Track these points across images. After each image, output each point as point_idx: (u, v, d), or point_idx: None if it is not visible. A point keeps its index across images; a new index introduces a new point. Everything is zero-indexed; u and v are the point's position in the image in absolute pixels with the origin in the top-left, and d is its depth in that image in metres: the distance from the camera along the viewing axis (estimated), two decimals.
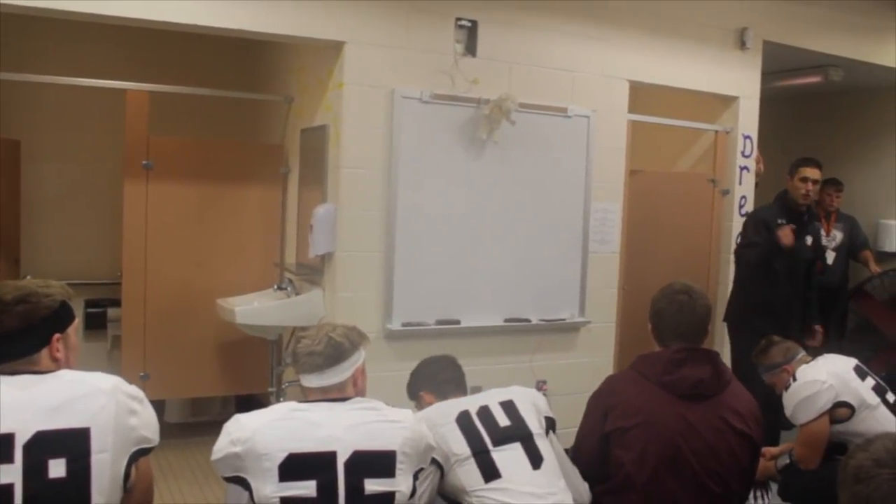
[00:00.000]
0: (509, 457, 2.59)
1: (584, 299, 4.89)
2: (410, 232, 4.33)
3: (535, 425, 2.70)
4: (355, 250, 4.26)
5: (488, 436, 2.62)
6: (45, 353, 2.09)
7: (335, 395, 2.30)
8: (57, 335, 2.12)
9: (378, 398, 2.34)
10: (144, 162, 4.69)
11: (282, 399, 4.48)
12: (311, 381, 2.31)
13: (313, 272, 4.50)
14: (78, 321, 2.21)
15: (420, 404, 2.99)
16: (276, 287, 4.76)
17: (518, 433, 2.66)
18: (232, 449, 2.15)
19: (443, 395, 2.90)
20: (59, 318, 2.13)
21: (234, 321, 4.42)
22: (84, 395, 2.01)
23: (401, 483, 2.20)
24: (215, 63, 5.74)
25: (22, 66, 4.89)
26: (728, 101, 5.52)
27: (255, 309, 4.51)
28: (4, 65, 4.90)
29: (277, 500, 2.10)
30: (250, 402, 5.34)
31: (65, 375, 2.07)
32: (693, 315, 2.71)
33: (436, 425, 2.59)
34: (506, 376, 4.27)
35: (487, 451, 2.58)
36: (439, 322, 4.43)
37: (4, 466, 1.89)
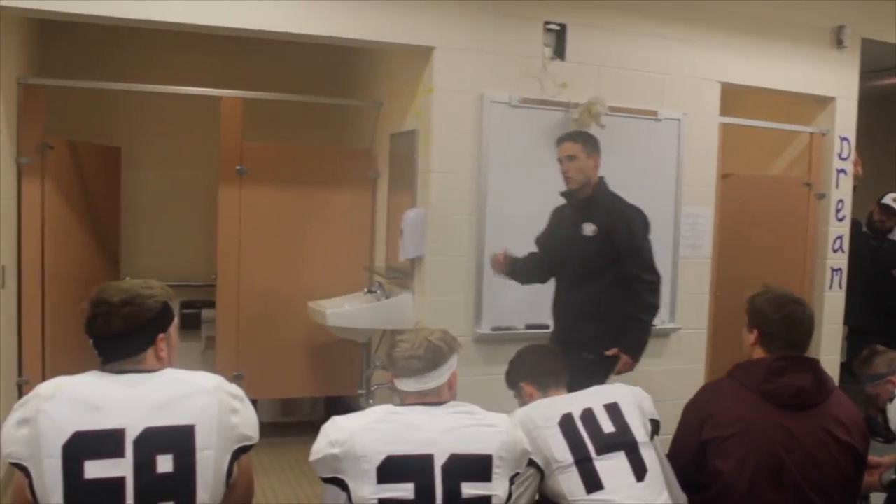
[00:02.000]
0: (613, 466, 2.55)
1: (675, 305, 4.83)
2: (499, 235, 4.33)
3: (641, 432, 2.65)
4: (445, 254, 4.29)
5: (592, 443, 2.57)
6: (150, 352, 2.16)
7: (432, 399, 2.32)
8: (161, 335, 2.19)
9: (468, 402, 2.34)
10: (238, 167, 4.80)
11: (371, 401, 4.53)
12: (410, 385, 2.33)
13: (403, 276, 4.54)
14: (177, 320, 2.27)
15: (520, 395, 2.93)
16: (366, 290, 4.82)
17: (622, 441, 2.61)
18: (330, 450, 2.18)
19: (543, 388, 2.84)
20: (163, 318, 2.19)
21: (325, 323, 4.48)
22: (188, 394, 2.07)
23: (497, 487, 2.20)
24: (306, 69, 5.85)
25: (122, 75, 5.08)
26: (824, 102, 5.36)
27: (346, 312, 4.56)
28: (106, 74, 5.10)
29: (375, 501, 2.12)
30: (339, 404, 5.42)
31: (169, 374, 2.14)
32: (802, 325, 2.66)
33: (538, 427, 2.57)
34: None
35: (590, 460, 2.54)
36: (529, 326, 4.42)
37: (116, 460, 1.96)
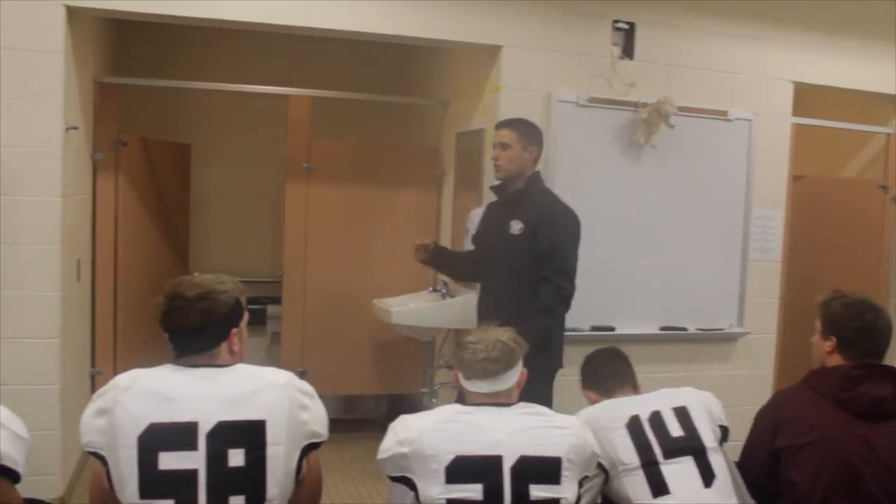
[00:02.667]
0: (680, 471, 2.51)
1: (743, 309, 4.74)
2: None
3: (710, 438, 2.61)
4: None
5: (659, 446, 2.54)
6: (223, 346, 2.19)
7: (503, 399, 2.32)
8: (234, 329, 2.22)
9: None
10: (305, 165, 4.85)
11: (434, 400, 4.54)
12: (482, 387, 2.31)
13: None
14: (247, 315, 2.29)
15: (589, 402, 2.91)
16: (430, 289, 4.83)
17: (691, 446, 2.57)
18: (399, 449, 2.19)
19: (607, 393, 2.82)
20: (236, 313, 2.22)
21: (390, 321, 4.50)
22: (260, 389, 2.10)
23: (566, 490, 2.19)
24: (373, 68, 5.89)
25: (193, 74, 5.18)
26: None
27: (411, 310, 4.57)
28: (178, 73, 5.20)
29: (444, 501, 2.12)
30: (402, 401, 5.44)
31: (241, 369, 2.17)
32: (881, 332, 2.59)
33: (604, 428, 2.55)
34: (661, 387, 4.15)
35: (657, 464, 2.51)
36: (594, 328, 4.39)
37: (189, 453, 1.99)
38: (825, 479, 2.44)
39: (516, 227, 3.65)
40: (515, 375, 2.34)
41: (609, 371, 2.90)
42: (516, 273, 3.64)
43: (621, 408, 2.66)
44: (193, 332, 2.14)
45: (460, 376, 2.36)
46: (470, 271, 4.06)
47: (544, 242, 3.58)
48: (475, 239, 4.02)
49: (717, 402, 2.77)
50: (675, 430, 2.59)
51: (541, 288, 3.58)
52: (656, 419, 2.60)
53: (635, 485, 2.49)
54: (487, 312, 3.67)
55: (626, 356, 3.01)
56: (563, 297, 3.60)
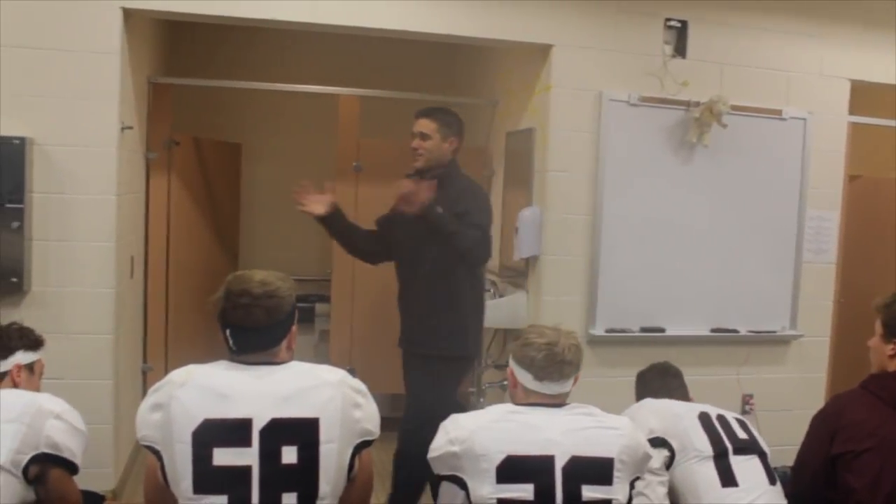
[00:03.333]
0: (749, 466, 2.59)
1: (796, 311, 4.65)
2: (616, 236, 4.28)
3: (767, 449, 2.69)
4: (560, 254, 4.25)
5: (729, 441, 2.61)
6: (283, 344, 2.20)
7: (559, 400, 2.31)
8: (294, 327, 2.24)
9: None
10: (354, 164, 4.87)
11: (482, 399, 4.53)
12: (553, 388, 2.30)
13: (517, 275, 4.52)
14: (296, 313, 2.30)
15: None
16: None
17: (755, 448, 2.64)
18: (450, 448, 2.19)
19: None
20: (295, 311, 2.24)
21: None
22: (313, 387, 2.10)
23: (618, 491, 2.17)
24: (421, 67, 5.89)
25: (244, 73, 5.22)
26: None
27: None
28: (229, 73, 5.25)
29: (495, 501, 2.12)
30: None
31: (295, 366, 2.18)
32: None
33: (677, 416, 2.63)
34: (712, 389, 4.10)
35: (727, 456, 2.58)
36: (644, 329, 4.34)
37: (243, 449, 2.01)
38: (886, 486, 2.39)
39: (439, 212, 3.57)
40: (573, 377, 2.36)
41: (658, 386, 2.99)
42: (441, 261, 3.58)
43: (689, 404, 2.77)
44: (258, 329, 2.15)
45: (526, 377, 2.32)
46: (368, 249, 4.00)
47: (459, 208, 3.55)
48: (382, 223, 3.94)
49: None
50: (740, 432, 2.67)
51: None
52: (722, 419, 2.69)
53: (705, 473, 2.55)
54: (412, 305, 3.70)
55: (678, 371, 3.04)
56: (479, 241, 3.59)
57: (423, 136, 3.76)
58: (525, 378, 2.32)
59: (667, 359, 3.79)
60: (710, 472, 2.52)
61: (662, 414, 2.58)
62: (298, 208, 3.89)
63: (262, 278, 2.19)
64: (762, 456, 2.62)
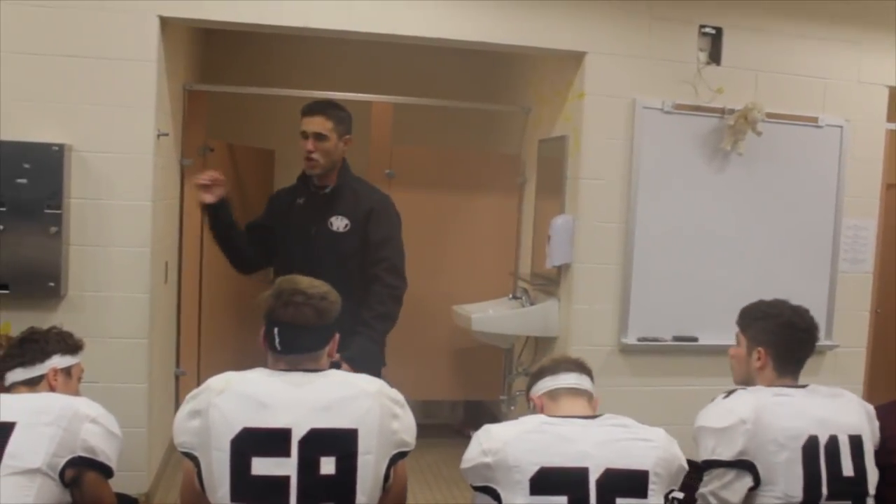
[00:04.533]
0: None
1: (832, 321, 4.59)
2: (649, 245, 4.25)
3: (873, 482, 2.46)
4: (592, 262, 4.23)
5: (826, 486, 2.40)
6: (326, 349, 2.22)
7: (589, 412, 2.33)
8: (337, 335, 2.25)
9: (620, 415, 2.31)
10: (387, 171, 4.88)
11: (513, 408, 4.52)
12: (566, 380, 2.38)
13: (549, 282, 4.50)
14: None
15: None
16: (510, 296, 4.81)
17: (855, 491, 2.43)
18: (483, 459, 2.17)
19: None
20: (338, 321, 2.26)
21: (469, 328, 4.50)
22: (352, 397, 2.11)
23: None
24: (454, 74, 5.89)
25: (278, 80, 5.25)
26: None
27: (490, 317, 4.56)
28: (263, 80, 5.28)
29: None
30: (479, 408, 5.43)
31: (333, 375, 2.18)
32: None
33: (780, 445, 2.41)
34: None
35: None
36: (676, 338, 4.30)
37: (282, 459, 2.01)
38: None
39: (340, 223, 3.37)
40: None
41: (784, 346, 2.76)
42: (346, 274, 3.29)
43: (802, 414, 2.48)
44: (307, 328, 2.17)
45: (545, 384, 2.39)
46: (250, 259, 3.71)
47: (378, 234, 3.33)
48: (259, 227, 3.68)
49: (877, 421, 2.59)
50: (847, 467, 2.43)
51: (373, 291, 3.31)
52: (832, 449, 2.43)
53: None
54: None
55: (811, 325, 2.82)
56: (398, 297, 3.39)
57: (319, 137, 3.38)
58: (544, 386, 2.38)
59: (699, 368, 3.76)
60: None
61: (766, 428, 2.38)
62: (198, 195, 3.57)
63: (311, 282, 2.23)
64: (858, 499, 2.40)
